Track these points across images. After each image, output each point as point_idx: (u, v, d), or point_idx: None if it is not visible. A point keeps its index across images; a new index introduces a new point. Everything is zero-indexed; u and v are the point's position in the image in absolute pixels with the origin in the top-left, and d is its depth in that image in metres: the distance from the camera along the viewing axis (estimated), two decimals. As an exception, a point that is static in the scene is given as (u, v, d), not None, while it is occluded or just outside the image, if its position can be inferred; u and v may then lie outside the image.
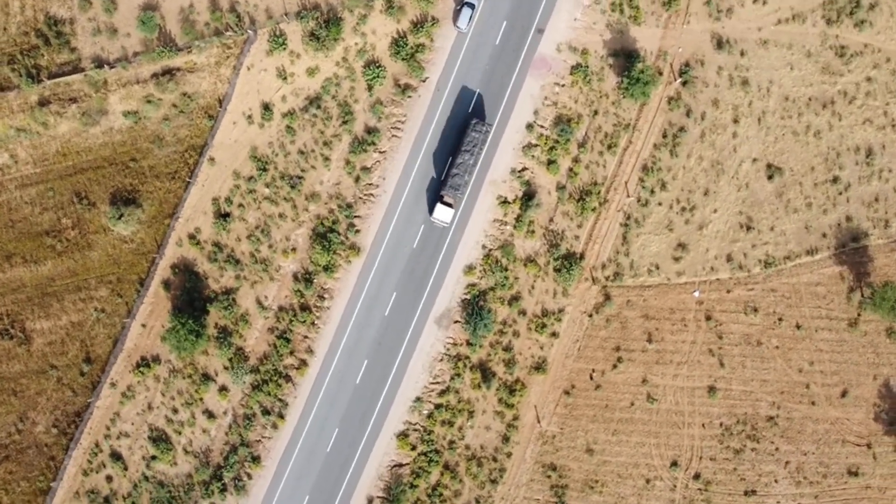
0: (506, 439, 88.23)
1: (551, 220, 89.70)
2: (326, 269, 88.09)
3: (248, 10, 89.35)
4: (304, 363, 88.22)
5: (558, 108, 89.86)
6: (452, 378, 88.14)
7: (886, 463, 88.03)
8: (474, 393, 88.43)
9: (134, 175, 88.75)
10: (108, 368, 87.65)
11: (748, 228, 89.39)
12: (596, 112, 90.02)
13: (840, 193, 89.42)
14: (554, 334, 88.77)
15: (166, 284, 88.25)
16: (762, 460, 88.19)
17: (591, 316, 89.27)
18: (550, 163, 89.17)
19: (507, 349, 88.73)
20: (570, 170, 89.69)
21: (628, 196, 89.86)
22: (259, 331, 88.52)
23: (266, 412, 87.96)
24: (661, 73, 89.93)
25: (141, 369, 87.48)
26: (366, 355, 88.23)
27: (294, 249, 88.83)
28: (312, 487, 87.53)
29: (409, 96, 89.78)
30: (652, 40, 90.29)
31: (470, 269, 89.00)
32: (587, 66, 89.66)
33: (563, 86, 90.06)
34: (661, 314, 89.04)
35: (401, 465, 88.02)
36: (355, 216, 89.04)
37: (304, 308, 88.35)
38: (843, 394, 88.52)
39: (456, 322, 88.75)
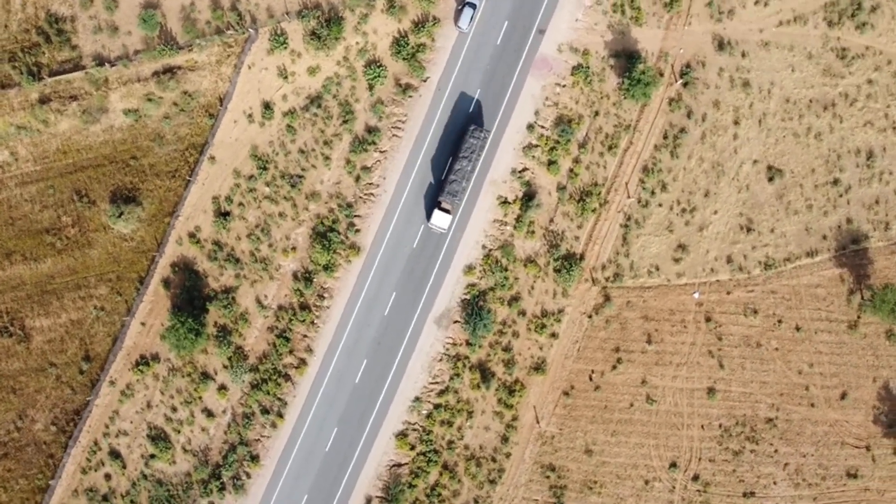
0: (505, 440, 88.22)
1: (551, 220, 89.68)
2: (326, 268, 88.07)
3: (249, 9, 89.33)
4: (303, 362, 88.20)
5: (559, 109, 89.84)
6: (452, 378, 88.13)
7: (885, 465, 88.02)
8: (473, 393, 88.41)
9: (134, 173, 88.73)
10: (107, 366, 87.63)
11: (748, 230, 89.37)
12: (597, 113, 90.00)
13: (840, 195, 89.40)
14: (553, 335, 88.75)
15: (166, 283, 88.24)
16: (761, 462, 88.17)
17: (590, 317, 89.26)
18: (551, 163, 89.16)
19: (507, 349, 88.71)
20: (571, 170, 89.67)
21: (629, 197, 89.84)
22: (258, 330, 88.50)
23: (265, 411, 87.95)
24: (662, 75, 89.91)
25: (140, 368, 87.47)
26: (365, 355, 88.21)
27: (294, 248, 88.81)
28: (311, 487, 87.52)
29: (410, 96, 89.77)
30: (653, 41, 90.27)
31: (470, 269, 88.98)
32: (588, 67, 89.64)
33: (564, 86, 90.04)
34: (661, 315, 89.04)
35: (399, 465, 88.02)
36: (355, 215, 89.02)
37: (304, 307, 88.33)
38: (843, 396, 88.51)
39: (455, 322, 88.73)
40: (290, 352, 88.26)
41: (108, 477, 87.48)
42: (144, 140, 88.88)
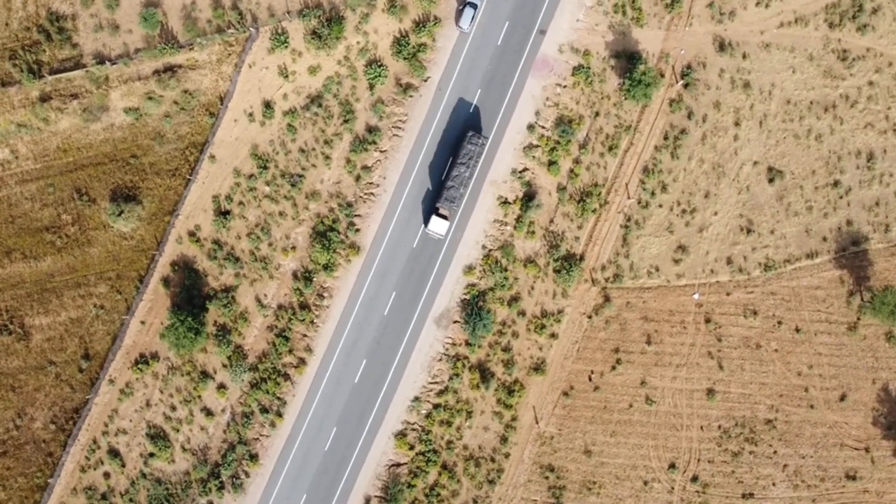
0: (504, 440, 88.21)
1: (551, 220, 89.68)
2: (326, 267, 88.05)
3: (250, 8, 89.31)
4: (302, 362, 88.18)
5: (560, 109, 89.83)
6: (451, 378, 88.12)
7: (884, 467, 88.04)
8: (473, 393, 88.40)
9: (134, 172, 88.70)
10: (106, 365, 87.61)
11: (748, 231, 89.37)
12: (597, 113, 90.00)
13: (841, 197, 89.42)
14: (553, 335, 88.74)
15: (166, 282, 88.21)
16: (760, 463, 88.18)
17: (590, 317, 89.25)
18: (551, 164, 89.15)
19: (506, 350, 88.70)
20: (571, 171, 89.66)
21: (629, 198, 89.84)
22: (258, 329, 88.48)
23: (264, 410, 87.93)
24: (662, 75, 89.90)
25: (139, 366, 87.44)
26: (364, 354, 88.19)
27: (294, 248, 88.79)
28: (310, 486, 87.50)
29: (411, 96, 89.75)
30: (654, 42, 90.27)
31: (469, 269, 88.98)
32: (589, 68, 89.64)
33: (564, 87, 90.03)
34: (661, 316, 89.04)
35: (398, 465, 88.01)
36: (355, 215, 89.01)
37: (304, 307, 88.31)
38: (842, 397, 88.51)
39: (455, 322, 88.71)
40: (290, 351, 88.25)
41: (107, 475, 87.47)
42: (145, 138, 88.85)
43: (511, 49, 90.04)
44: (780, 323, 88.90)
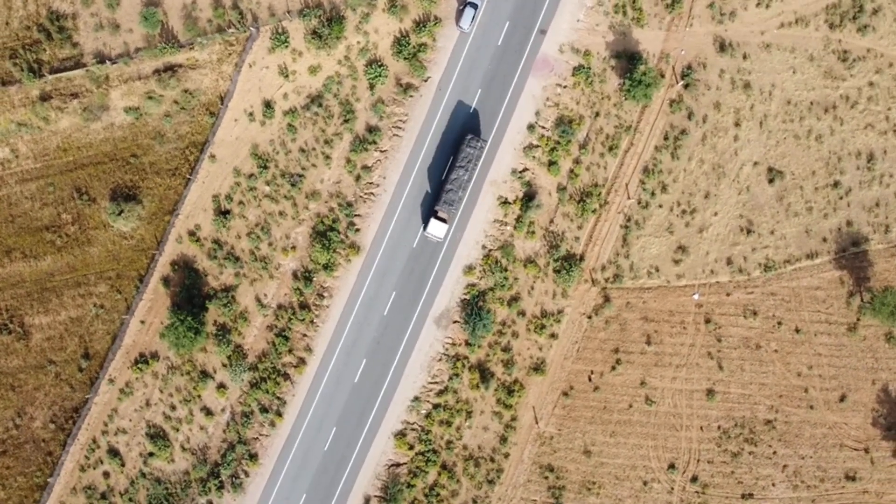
0: (503, 440, 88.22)
1: (551, 221, 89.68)
2: (326, 267, 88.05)
3: (250, 8, 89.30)
4: (302, 361, 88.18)
5: (560, 109, 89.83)
6: (451, 378, 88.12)
7: (884, 468, 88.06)
8: (472, 393, 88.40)
9: (134, 171, 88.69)
10: (106, 364, 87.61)
11: (748, 232, 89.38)
12: (597, 113, 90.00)
13: (841, 198, 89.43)
14: (553, 335, 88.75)
15: (165, 281, 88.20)
16: (760, 464, 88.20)
17: (590, 317, 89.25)
18: (551, 164, 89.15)
19: (506, 350, 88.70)
20: (571, 171, 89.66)
21: (629, 198, 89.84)
22: (258, 328, 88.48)
23: (264, 410, 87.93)
24: (663, 76, 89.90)
25: (139, 366, 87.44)
26: (364, 354, 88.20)
27: (294, 247, 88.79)
28: (309, 486, 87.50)
29: (411, 96, 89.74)
30: (654, 42, 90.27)
31: (469, 269, 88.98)
32: (589, 68, 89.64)
33: (564, 87, 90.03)
34: (661, 316, 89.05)
35: (398, 465, 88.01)
36: (355, 215, 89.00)
37: (304, 306, 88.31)
38: (842, 398, 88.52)
39: (455, 322, 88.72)
40: (290, 351, 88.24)
41: (106, 475, 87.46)
42: (145, 138, 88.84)
43: (511, 49, 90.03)
44: (779, 323, 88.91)
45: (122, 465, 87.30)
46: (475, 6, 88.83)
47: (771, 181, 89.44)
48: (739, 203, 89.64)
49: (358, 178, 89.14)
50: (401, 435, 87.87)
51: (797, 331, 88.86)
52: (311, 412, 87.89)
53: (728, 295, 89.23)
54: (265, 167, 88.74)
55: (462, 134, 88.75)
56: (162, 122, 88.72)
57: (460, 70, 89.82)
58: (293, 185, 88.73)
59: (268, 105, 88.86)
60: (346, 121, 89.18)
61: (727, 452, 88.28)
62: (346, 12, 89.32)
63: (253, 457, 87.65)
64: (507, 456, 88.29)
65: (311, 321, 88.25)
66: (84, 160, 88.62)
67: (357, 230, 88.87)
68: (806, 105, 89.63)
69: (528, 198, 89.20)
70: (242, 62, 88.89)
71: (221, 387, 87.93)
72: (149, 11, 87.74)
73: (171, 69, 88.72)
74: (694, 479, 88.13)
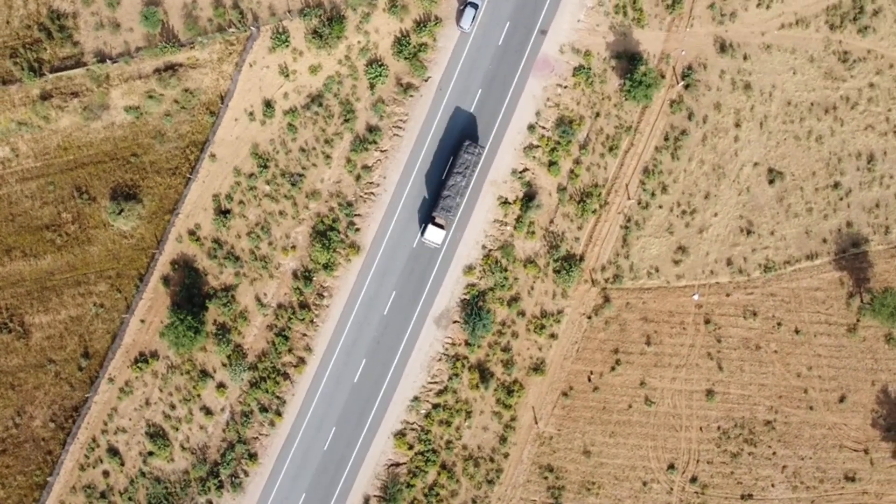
0: (503, 440, 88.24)
1: (552, 221, 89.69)
2: (326, 267, 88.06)
3: (251, 7, 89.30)
4: (302, 361, 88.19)
5: (560, 110, 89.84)
6: (450, 378, 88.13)
7: (883, 468, 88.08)
8: (472, 393, 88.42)
9: (135, 170, 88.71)
10: (106, 363, 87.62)
11: (748, 232, 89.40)
12: (598, 114, 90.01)
13: (841, 199, 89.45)
14: (553, 336, 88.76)
15: (165, 280, 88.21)
16: (759, 464, 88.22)
17: (590, 318, 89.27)
18: (551, 164, 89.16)
19: (506, 350, 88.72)
20: (571, 171, 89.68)
21: (629, 198, 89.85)
22: (258, 328, 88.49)
23: (264, 409, 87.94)
24: (663, 76, 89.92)
25: (139, 365, 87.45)
26: (364, 354, 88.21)
27: (294, 247, 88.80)
28: (309, 485, 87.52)
29: (411, 95, 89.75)
30: (655, 43, 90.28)
31: (469, 269, 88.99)
32: (590, 68, 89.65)
33: (565, 87, 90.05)
34: (661, 317, 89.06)
35: (398, 465, 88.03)
36: (355, 214, 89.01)
37: (303, 306, 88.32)
38: (841, 399, 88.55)
39: (455, 322, 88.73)
40: (290, 350, 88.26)
41: (106, 474, 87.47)
42: (145, 137, 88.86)
43: (512, 49, 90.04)
44: (779, 324, 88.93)
45: (122, 464, 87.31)
46: (476, 6, 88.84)
47: (771, 182, 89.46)
48: (739, 204, 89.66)
49: (358, 177, 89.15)
50: (400, 435, 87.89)
51: (797, 332, 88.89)
52: (310, 412, 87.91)
53: (728, 295, 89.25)
54: (265, 166, 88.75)
55: (460, 139, 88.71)
56: (162, 121, 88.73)
57: (461, 70, 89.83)
58: (293, 184, 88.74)
59: (268, 104, 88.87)
60: (346, 120, 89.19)
61: (727, 453, 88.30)
62: (347, 12, 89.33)
63: (252, 456, 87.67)
64: (506, 456, 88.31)
65: (311, 321, 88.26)
66: (84, 159, 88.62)
67: (357, 230, 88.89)
68: (806, 106, 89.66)
69: (529, 198, 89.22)
70: (243, 61, 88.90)
71: (221, 386, 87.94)
72: (149, 10, 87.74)
73: (171, 68, 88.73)
74: (693, 480, 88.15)
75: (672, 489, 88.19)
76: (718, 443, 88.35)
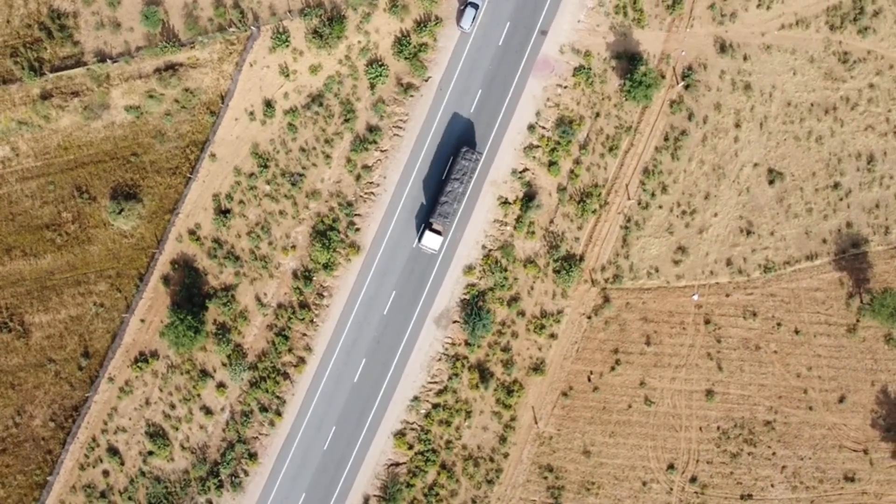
0: (503, 440, 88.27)
1: (551, 221, 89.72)
2: (326, 267, 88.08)
3: (251, 7, 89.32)
4: (302, 361, 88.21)
5: (560, 110, 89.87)
6: (450, 378, 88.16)
7: (883, 469, 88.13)
8: (472, 393, 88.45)
9: (135, 170, 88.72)
10: (106, 363, 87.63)
11: (748, 233, 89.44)
12: (598, 114, 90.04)
13: (841, 199, 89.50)
14: (552, 336, 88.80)
15: (165, 280, 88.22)
16: (759, 464, 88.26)
17: (589, 318, 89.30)
18: (551, 164, 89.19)
19: (506, 350, 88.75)
20: (571, 171, 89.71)
21: (629, 199, 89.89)
22: (258, 328, 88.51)
23: (264, 409, 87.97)
24: (663, 77, 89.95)
25: (139, 364, 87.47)
26: (364, 354, 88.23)
27: (294, 247, 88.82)
28: (309, 485, 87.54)
29: (412, 95, 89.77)
30: (655, 43, 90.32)
31: (469, 269, 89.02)
32: (590, 68, 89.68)
33: (565, 87, 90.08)
34: (660, 317, 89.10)
35: (397, 465, 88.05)
36: (356, 214, 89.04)
37: (303, 306, 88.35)
38: (841, 399, 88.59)
39: (455, 322, 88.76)
40: (290, 350, 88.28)
41: (106, 474, 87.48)
42: (145, 137, 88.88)
43: (512, 49, 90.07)
44: (779, 324, 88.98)
45: (122, 463, 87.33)
46: (476, 6, 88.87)
47: (771, 182, 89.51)
48: (739, 204, 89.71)
49: (358, 177, 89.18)
50: (400, 434, 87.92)
51: (796, 332, 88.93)
52: (310, 411, 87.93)
53: (728, 296, 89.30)
54: (265, 166, 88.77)
55: (460, 141, 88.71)
56: (162, 120, 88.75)
57: (461, 70, 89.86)
58: (293, 184, 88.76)
59: (268, 104, 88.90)
60: (346, 120, 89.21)
61: (726, 453, 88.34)
62: (347, 12, 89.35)
63: (252, 456, 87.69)
64: (506, 456, 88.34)
65: (311, 320, 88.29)
66: (84, 158, 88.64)
67: (357, 230, 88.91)
68: (806, 106, 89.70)
69: (529, 198, 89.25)
70: (243, 61, 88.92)
71: (221, 386, 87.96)
72: (150, 10, 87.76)
73: (171, 68, 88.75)
74: (693, 480, 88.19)
75: (672, 489, 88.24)
76: (718, 443, 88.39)
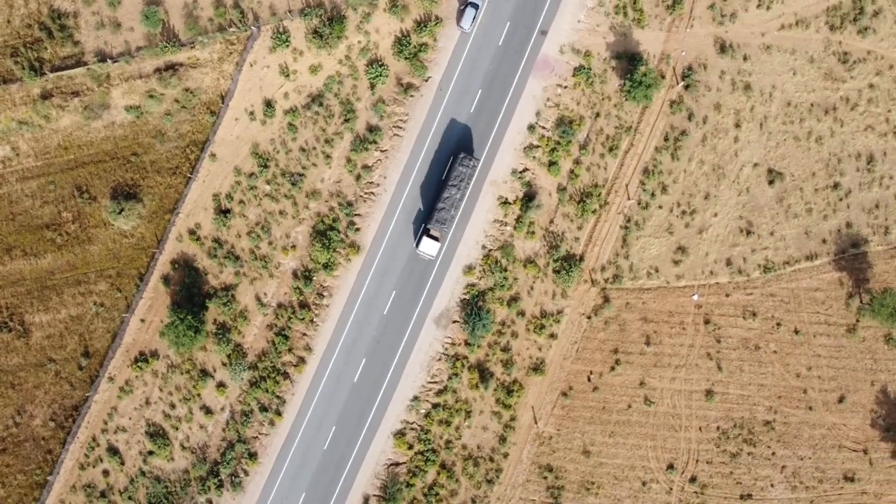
0: (503, 440, 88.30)
1: (551, 221, 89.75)
2: (326, 266, 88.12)
3: (251, 7, 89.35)
4: (302, 360, 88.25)
5: (560, 110, 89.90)
6: (450, 378, 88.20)
7: (882, 469, 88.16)
8: (472, 393, 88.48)
9: (135, 170, 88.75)
10: (106, 363, 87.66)
11: (748, 233, 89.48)
12: (598, 114, 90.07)
13: (840, 199, 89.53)
14: (552, 336, 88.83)
15: (166, 279, 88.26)
16: (758, 464, 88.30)
17: (589, 318, 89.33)
18: (551, 164, 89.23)
19: (506, 350, 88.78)
20: (571, 171, 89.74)
21: (629, 199, 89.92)
22: (258, 327, 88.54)
23: (263, 409, 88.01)
24: (663, 77, 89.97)
25: (139, 364, 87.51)
26: (364, 354, 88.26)
27: (294, 247, 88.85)
28: (309, 485, 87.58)
29: (412, 95, 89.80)
30: (655, 43, 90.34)
31: (469, 269, 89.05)
32: (590, 68, 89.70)
33: (565, 87, 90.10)
34: (660, 317, 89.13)
35: (397, 464, 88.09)
36: (356, 214, 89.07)
37: (303, 305, 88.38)
38: (841, 399, 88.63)
39: (454, 322, 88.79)
40: (290, 350, 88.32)
41: (106, 473, 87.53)
42: (146, 137, 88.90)
43: (512, 49, 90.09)
44: (779, 324, 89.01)
45: (122, 463, 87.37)
46: (476, 6, 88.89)
47: (771, 182, 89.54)
48: (739, 204, 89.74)
49: (358, 177, 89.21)
50: (400, 434, 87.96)
51: (796, 332, 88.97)
52: (310, 411, 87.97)
53: (727, 296, 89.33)
54: (266, 166, 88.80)
55: (459, 144, 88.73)
56: (163, 120, 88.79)
57: (461, 70, 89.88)
58: (293, 184, 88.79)
59: (268, 104, 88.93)
60: (346, 120, 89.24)
61: (726, 453, 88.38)
62: (347, 12, 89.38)
63: (252, 455, 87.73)
64: (506, 456, 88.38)
65: (311, 320, 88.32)
66: (85, 158, 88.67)
67: (357, 230, 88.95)
68: (806, 107, 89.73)
69: (528, 198, 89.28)
70: (243, 61, 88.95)
71: (221, 385, 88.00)
72: (150, 10, 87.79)
73: (172, 68, 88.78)
74: (693, 480, 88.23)
75: (671, 489, 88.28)
76: (718, 443, 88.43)
